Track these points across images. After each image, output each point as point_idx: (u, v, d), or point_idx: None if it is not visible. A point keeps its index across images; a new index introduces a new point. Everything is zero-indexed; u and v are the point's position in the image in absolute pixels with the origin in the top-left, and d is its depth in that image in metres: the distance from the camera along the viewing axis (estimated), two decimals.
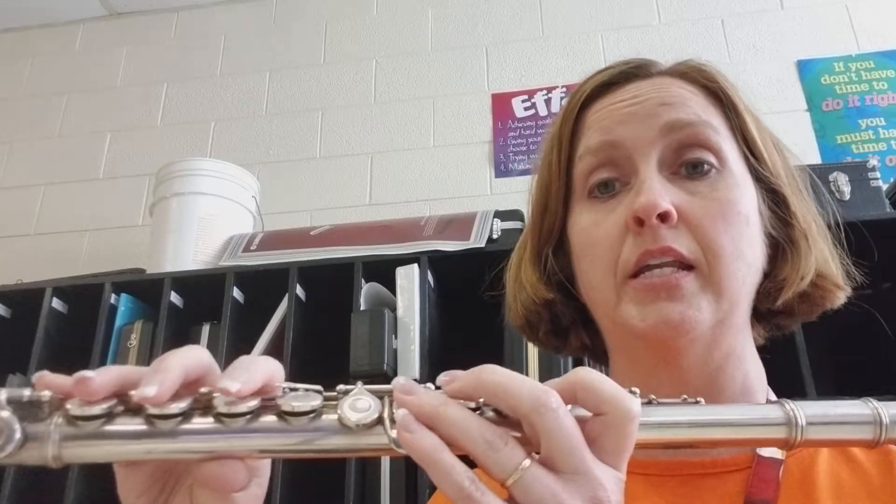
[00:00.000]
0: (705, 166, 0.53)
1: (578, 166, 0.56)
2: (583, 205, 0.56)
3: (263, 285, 1.65)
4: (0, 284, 1.82)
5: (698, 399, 0.38)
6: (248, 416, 0.35)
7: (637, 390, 0.37)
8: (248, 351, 1.59)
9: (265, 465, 0.40)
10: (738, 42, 2.19)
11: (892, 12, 2.15)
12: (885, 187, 1.60)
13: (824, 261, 0.56)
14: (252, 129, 2.33)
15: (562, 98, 2.20)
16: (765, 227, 0.54)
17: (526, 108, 2.20)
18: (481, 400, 0.36)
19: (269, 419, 0.36)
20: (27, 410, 0.35)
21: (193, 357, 0.37)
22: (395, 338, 1.50)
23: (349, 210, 2.12)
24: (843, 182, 1.55)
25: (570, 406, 0.35)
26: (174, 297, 1.67)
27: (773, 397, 0.56)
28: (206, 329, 1.66)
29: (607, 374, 0.59)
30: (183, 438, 0.35)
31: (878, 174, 1.58)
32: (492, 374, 0.36)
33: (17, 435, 0.34)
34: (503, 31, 2.33)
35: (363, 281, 1.57)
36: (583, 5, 2.32)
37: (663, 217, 0.49)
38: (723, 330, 0.52)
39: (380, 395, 0.37)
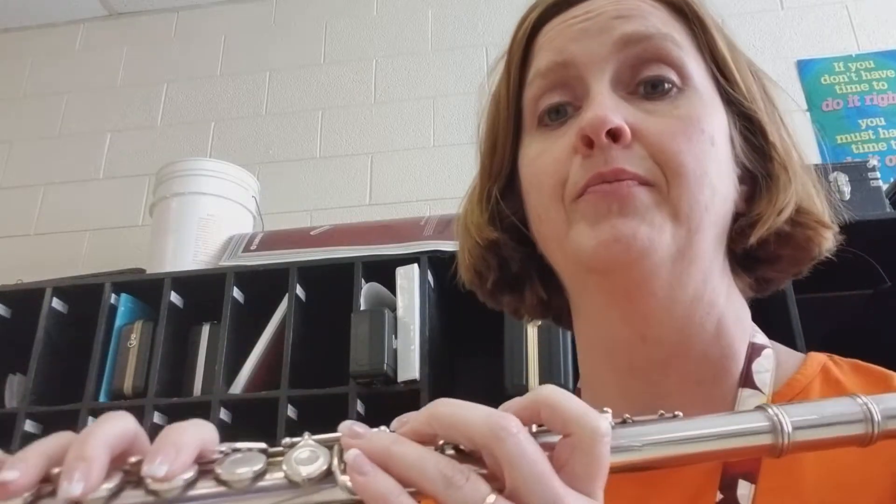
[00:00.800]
0: (666, 84, 0.47)
1: (528, 92, 0.51)
2: (532, 135, 0.50)
3: (263, 285, 1.65)
4: (0, 284, 1.82)
5: (676, 413, 0.36)
6: (183, 486, 0.32)
7: (609, 410, 0.33)
8: (248, 350, 1.59)
9: None
10: (739, 42, 2.18)
11: (892, 12, 2.15)
12: (885, 187, 1.60)
13: (807, 195, 0.49)
14: (252, 129, 2.33)
15: None
16: (737, 157, 0.49)
17: None
18: (441, 442, 0.32)
19: (209, 485, 0.32)
20: None
21: (116, 430, 0.32)
22: (395, 338, 1.50)
23: (349, 210, 2.12)
24: (843, 182, 1.55)
25: (535, 428, 0.33)
26: (174, 297, 1.67)
27: (762, 339, 0.50)
28: (205, 329, 1.66)
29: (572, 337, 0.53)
30: None
31: (878, 174, 1.58)
32: (444, 407, 0.33)
33: None
34: (503, 31, 2.33)
35: (363, 281, 1.57)
36: None
37: (615, 135, 0.44)
38: (684, 264, 0.45)
39: (328, 445, 0.33)
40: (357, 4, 2.47)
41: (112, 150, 2.38)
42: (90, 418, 1.55)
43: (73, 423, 1.54)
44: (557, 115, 0.49)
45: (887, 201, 1.56)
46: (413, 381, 1.46)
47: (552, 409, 0.32)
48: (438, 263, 1.59)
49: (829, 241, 0.50)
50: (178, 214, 1.80)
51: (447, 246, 1.59)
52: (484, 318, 1.55)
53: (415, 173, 2.16)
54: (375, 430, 0.33)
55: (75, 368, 1.64)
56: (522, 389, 1.38)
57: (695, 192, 0.44)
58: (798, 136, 0.53)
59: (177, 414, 1.59)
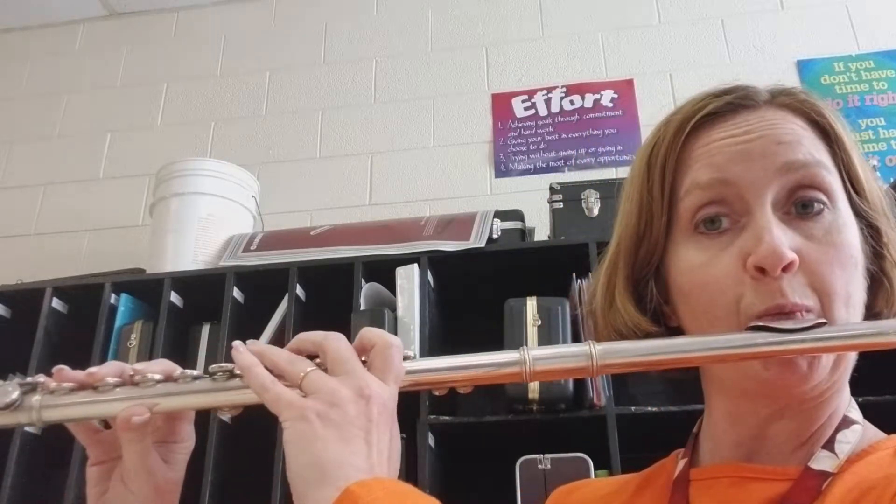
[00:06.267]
0: (816, 205, 0.53)
1: (685, 200, 0.56)
2: (688, 238, 0.56)
3: (263, 285, 1.65)
4: (0, 284, 1.82)
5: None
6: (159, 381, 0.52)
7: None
8: None
9: (183, 431, 0.57)
10: (738, 42, 2.19)
11: (892, 12, 2.15)
12: (884, 187, 1.60)
13: None
14: (252, 129, 2.33)
15: (562, 98, 2.20)
16: (864, 265, 0.55)
17: (526, 108, 2.20)
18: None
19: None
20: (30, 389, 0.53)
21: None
22: None
23: (349, 210, 2.12)
24: None
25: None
26: (174, 297, 1.67)
27: (855, 415, 0.56)
28: (205, 329, 1.66)
29: (702, 417, 0.61)
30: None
31: (878, 174, 1.58)
32: (302, 335, 0.53)
33: (14, 396, 0.51)
34: (503, 31, 2.33)
35: (363, 281, 1.57)
36: (583, 5, 2.32)
37: (786, 268, 0.50)
38: (839, 371, 0.53)
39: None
40: (357, 4, 2.48)
41: (112, 150, 2.38)
42: None
43: None
44: (713, 225, 0.54)
45: None
46: None
47: (368, 335, 0.52)
48: (438, 263, 1.59)
49: None
50: (178, 214, 1.80)
51: (447, 246, 1.59)
52: (484, 318, 1.55)
53: (415, 173, 2.16)
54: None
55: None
56: (522, 389, 1.38)
57: (843, 313, 0.51)
58: None
59: None
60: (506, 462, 1.40)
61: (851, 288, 0.52)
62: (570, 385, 1.39)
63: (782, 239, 0.50)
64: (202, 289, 1.68)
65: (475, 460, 1.61)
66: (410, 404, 1.44)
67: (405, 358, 0.52)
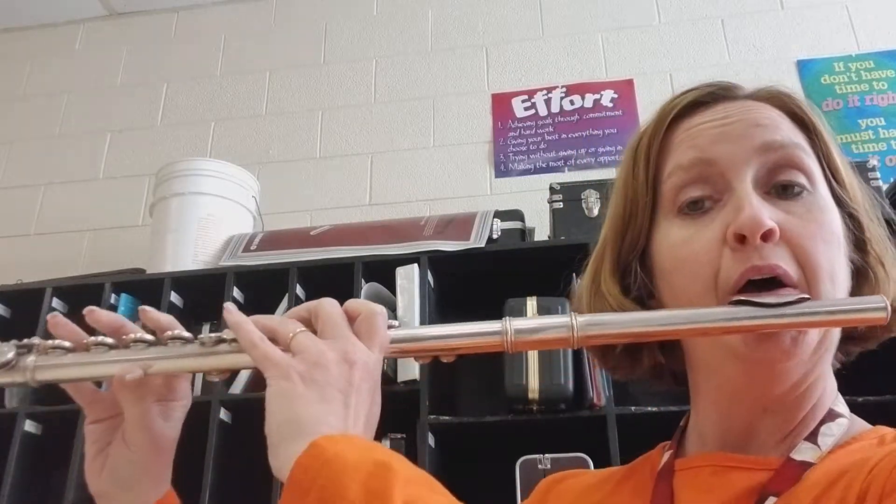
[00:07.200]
0: (797, 188, 0.54)
1: (668, 182, 0.57)
2: (671, 220, 0.56)
3: (263, 285, 1.65)
4: (0, 284, 1.82)
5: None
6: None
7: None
8: None
9: (181, 389, 0.58)
10: (738, 42, 2.19)
11: (892, 12, 2.15)
12: (885, 187, 1.60)
13: None
14: (252, 129, 2.33)
15: (562, 98, 2.20)
16: (846, 252, 0.55)
17: (526, 108, 2.20)
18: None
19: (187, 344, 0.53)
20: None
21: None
22: None
23: (349, 210, 2.12)
24: None
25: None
26: (174, 297, 1.67)
27: (841, 409, 0.56)
28: (205, 329, 1.67)
29: (689, 412, 0.61)
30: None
31: (878, 174, 1.58)
32: (299, 307, 0.55)
33: (10, 356, 0.52)
34: (503, 31, 2.33)
35: (363, 281, 1.57)
36: (583, 5, 2.32)
37: (766, 235, 0.50)
38: (821, 352, 0.53)
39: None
40: (357, 4, 2.48)
41: (112, 150, 2.38)
42: None
43: (72, 423, 1.54)
44: (696, 206, 0.55)
45: (887, 201, 1.56)
46: (413, 381, 1.46)
47: (353, 304, 0.54)
48: (438, 263, 1.59)
49: None
50: (178, 214, 1.80)
51: (447, 246, 1.59)
52: (484, 318, 1.55)
53: (415, 173, 2.16)
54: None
55: None
56: (522, 390, 1.38)
57: (829, 289, 0.51)
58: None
59: None
60: (506, 462, 1.40)
61: (836, 265, 0.52)
62: (571, 385, 1.39)
63: (762, 208, 0.51)
64: (202, 289, 1.68)
65: (475, 460, 1.61)
66: (410, 404, 1.44)
67: (390, 327, 0.53)
